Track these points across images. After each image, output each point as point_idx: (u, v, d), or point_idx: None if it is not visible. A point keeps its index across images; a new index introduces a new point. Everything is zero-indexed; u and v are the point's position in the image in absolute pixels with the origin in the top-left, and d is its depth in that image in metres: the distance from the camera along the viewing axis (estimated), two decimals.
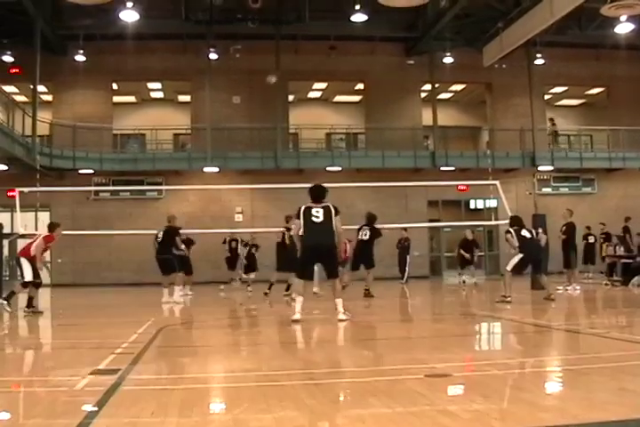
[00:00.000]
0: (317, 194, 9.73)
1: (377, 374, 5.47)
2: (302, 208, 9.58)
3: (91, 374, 5.47)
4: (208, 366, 6.31)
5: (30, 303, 12.23)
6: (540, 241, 13.01)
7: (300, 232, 9.59)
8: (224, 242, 19.88)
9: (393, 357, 6.68)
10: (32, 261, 12.30)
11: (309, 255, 9.64)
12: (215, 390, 5.18)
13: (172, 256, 14.66)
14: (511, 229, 12.81)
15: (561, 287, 15.73)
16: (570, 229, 16.32)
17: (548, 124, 30.03)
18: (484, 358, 6.60)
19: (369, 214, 15.58)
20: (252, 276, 19.36)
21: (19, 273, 12.72)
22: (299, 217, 9.59)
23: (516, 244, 12.63)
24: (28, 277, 12.25)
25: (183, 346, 8.03)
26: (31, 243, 12.53)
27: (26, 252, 12.45)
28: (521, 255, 12.56)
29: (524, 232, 12.73)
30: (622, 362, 5.64)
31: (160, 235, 14.99)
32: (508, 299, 12.28)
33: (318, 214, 9.44)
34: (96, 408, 4.23)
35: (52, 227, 13.06)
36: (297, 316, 9.42)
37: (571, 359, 6.18)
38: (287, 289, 14.97)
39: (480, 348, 7.75)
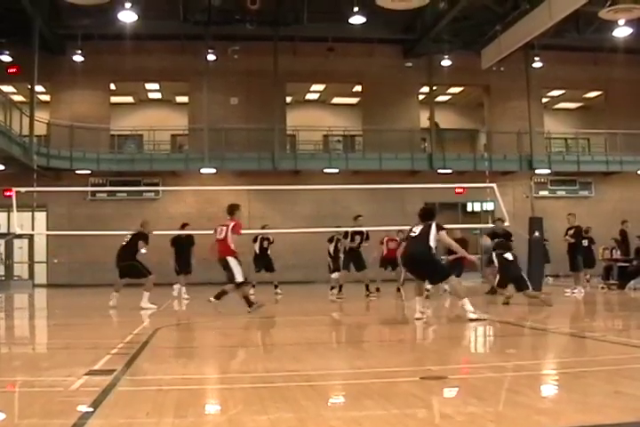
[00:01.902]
0: (422, 215, 10.35)
1: (372, 375, 5.46)
2: (410, 228, 10.43)
3: (86, 374, 5.46)
4: (203, 367, 6.31)
5: (250, 302, 11.60)
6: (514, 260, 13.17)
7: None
8: (254, 240, 17.90)
9: (388, 359, 6.67)
10: (238, 258, 11.60)
11: (404, 265, 11.07)
12: (210, 391, 5.17)
13: (136, 262, 13.73)
14: (494, 255, 13.32)
15: (568, 290, 15.78)
16: (577, 232, 16.38)
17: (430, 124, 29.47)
18: (480, 360, 6.61)
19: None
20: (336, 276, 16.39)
21: (227, 276, 11.67)
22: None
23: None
24: (240, 277, 11.49)
25: (179, 347, 8.02)
26: (224, 239, 11.54)
27: (227, 250, 11.49)
28: (499, 276, 13.15)
29: (508, 255, 13.05)
30: (618, 365, 5.64)
31: (127, 239, 13.90)
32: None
33: (416, 230, 10.08)
34: (91, 409, 4.22)
35: (233, 209, 12.01)
36: (419, 314, 9.94)
37: (567, 362, 6.18)
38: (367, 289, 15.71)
39: (476, 350, 7.75)
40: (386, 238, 17.40)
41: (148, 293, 13.34)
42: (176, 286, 17.11)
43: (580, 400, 4.35)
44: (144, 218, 15.38)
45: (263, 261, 17.77)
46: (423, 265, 10.04)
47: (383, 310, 13.92)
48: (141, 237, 13.75)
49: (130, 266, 13.64)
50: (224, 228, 11.65)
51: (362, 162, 27.56)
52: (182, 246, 16.54)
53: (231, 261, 11.43)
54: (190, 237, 16.72)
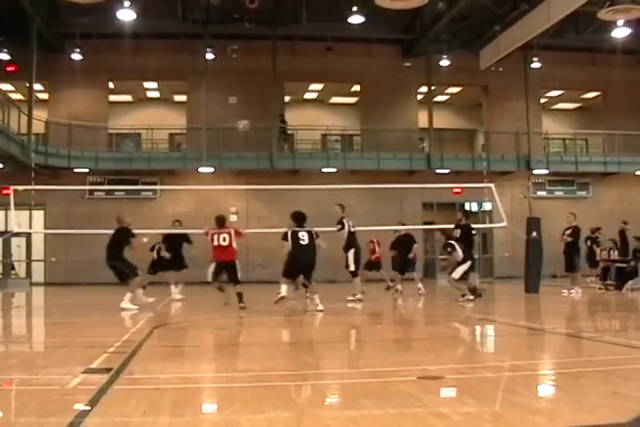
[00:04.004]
0: (298, 219, 12.08)
1: (369, 375, 5.47)
2: (289, 232, 11.87)
3: (83, 372, 5.46)
4: (200, 366, 6.30)
5: (241, 299, 12.48)
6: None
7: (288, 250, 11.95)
8: (152, 249, 16.59)
9: (385, 358, 6.68)
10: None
11: (297, 270, 12.23)
12: (207, 390, 5.17)
13: (118, 262, 12.90)
14: (453, 242, 14.14)
15: (565, 291, 15.78)
16: (575, 232, 16.35)
17: (278, 125, 27.89)
18: (477, 360, 6.61)
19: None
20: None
21: (229, 277, 12.97)
22: (286, 239, 11.90)
23: (461, 255, 13.83)
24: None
25: (176, 346, 8.02)
26: (229, 245, 12.69)
27: (234, 254, 12.85)
28: (469, 263, 13.91)
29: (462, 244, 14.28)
30: (615, 366, 5.65)
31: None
32: (471, 297, 13.58)
33: (304, 238, 11.74)
34: (88, 407, 4.22)
35: (224, 221, 13.06)
36: (284, 293, 11.67)
37: (563, 363, 6.18)
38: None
39: (473, 350, 7.75)
40: (376, 241, 17.53)
41: (131, 294, 12.79)
42: (172, 286, 16.22)
43: (576, 400, 4.36)
44: (119, 213, 14.85)
45: (161, 264, 16.32)
46: (311, 270, 12.01)
47: (375, 309, 13.91)
48: (126, 232, 13.32)
49: (114, 267, 13.00)
50: (225, 236, 12.69)
51: (360, 161, 27.57)
52: (172, 242, 15.90)
53: (237, 264, 12.80)
54: (184, 234, 16.24)
